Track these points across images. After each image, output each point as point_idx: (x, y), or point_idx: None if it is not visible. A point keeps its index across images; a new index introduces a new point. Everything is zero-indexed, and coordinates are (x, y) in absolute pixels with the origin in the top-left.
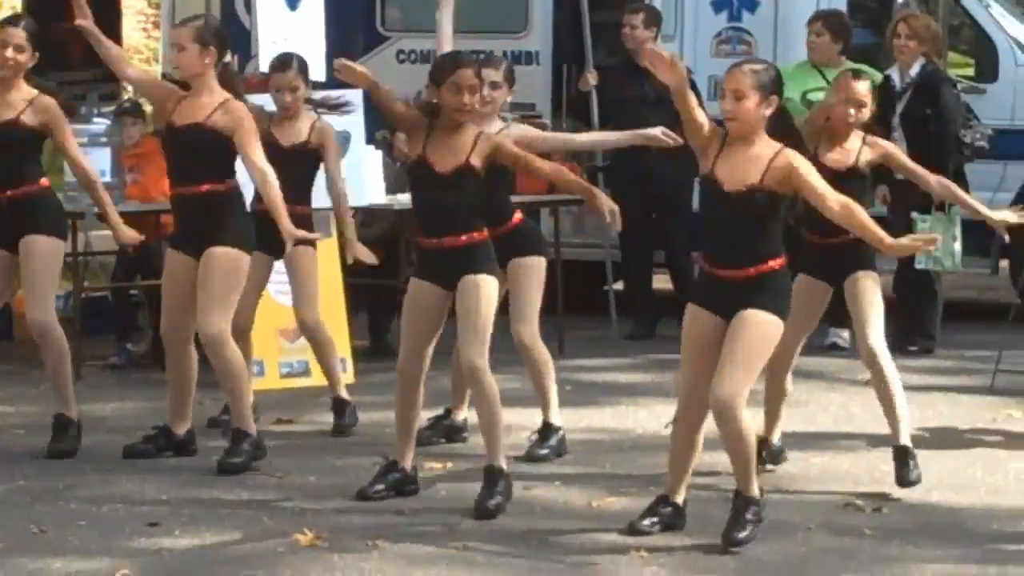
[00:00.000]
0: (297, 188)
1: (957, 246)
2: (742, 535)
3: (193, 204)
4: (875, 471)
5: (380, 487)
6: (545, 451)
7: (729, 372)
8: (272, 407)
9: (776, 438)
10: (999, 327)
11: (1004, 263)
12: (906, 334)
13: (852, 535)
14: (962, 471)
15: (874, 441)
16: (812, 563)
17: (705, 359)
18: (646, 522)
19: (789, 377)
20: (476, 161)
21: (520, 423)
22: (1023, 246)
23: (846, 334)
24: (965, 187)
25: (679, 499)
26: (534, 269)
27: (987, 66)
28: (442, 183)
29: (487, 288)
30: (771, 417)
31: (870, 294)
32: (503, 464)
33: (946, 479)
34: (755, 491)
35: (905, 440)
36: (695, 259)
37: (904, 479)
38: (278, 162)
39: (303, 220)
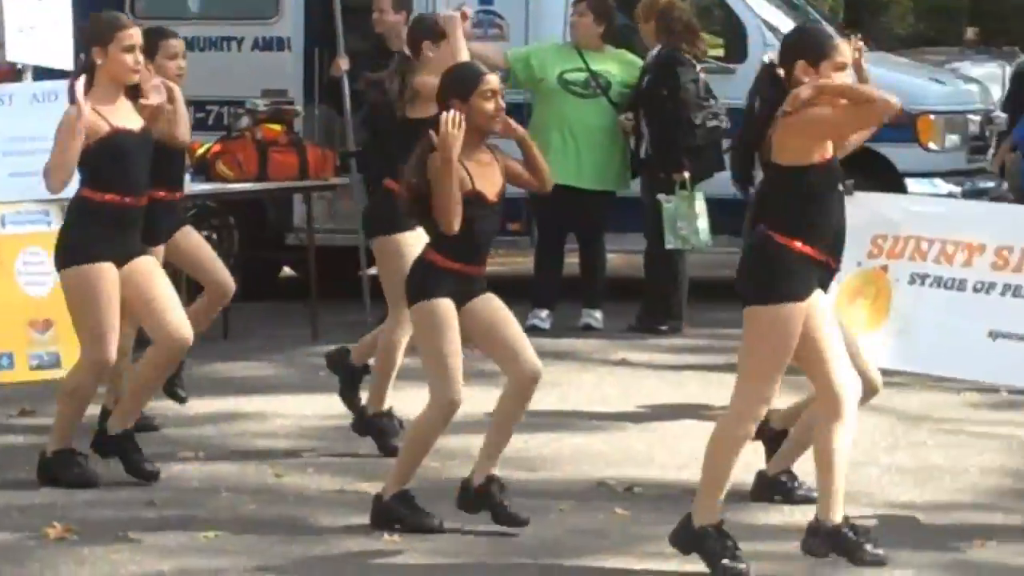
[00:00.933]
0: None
1: (701, 223)
2: None
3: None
4: (628, 450)
5: None
6: None
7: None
8: (19, 399)
9: None
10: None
11: None
12: (656, 313)
13: (605, 514)
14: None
15: (626, 420)
16: (565, 543)
17: None
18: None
19: None
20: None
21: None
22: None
23: (599, 314)
24: (717, 165)
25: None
26: None
27: (736, 47)
28: (493, 211)
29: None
30: None
31: None
32: None
33: (697, 456)
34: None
35: None
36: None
37: None
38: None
39: None
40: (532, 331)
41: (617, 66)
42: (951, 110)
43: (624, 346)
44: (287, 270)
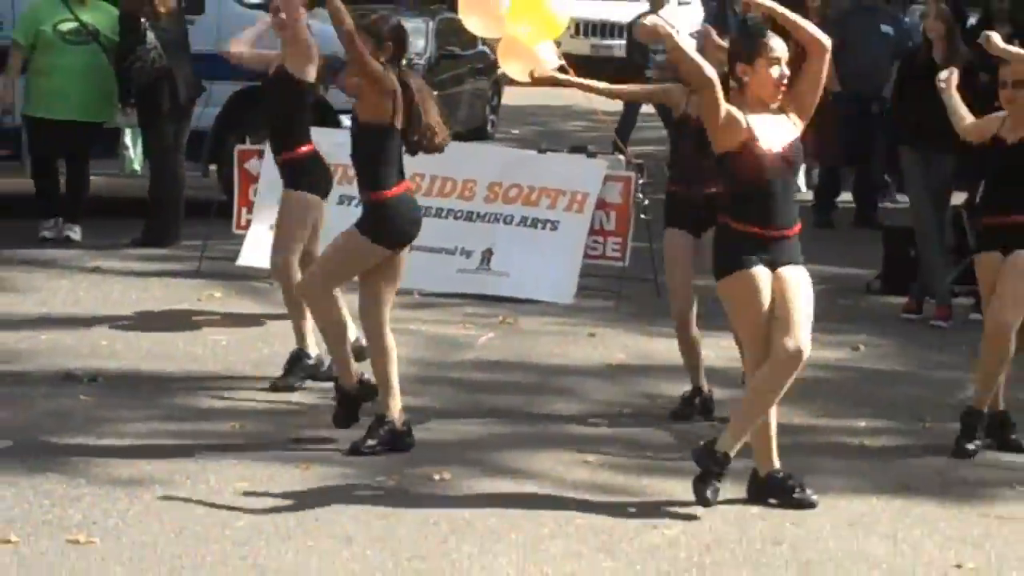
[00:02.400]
0: None
1: (128, 153)
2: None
3: None
4: (94, 345)
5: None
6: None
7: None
8: None
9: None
10: (205, 220)
11: (213, 167)
12: (158, 231)
13: (72, 400)
14: (168, 343)
15: (95, 319)
16: (39, 425)
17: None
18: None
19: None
20: None
21: None
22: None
23: (78, 228)
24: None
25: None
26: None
27: (195, 1)
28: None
29: None
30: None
31: None
32: None
33: (154, 351)
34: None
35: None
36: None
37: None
38: None
39: None
40: (67, 241)
41: (102, 16)
42: None
43: (98, 256)
44: None
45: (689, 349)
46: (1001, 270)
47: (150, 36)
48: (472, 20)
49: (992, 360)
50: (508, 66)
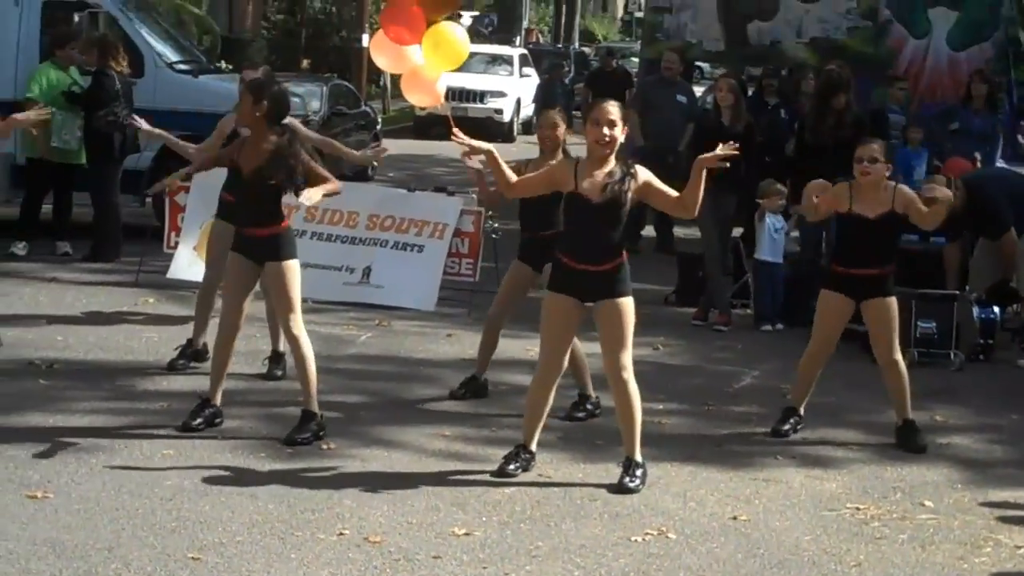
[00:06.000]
0: None
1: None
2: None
3: None
4: (51, 340)
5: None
6: None
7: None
8: None
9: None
10: (141, 242)
11: (149, 199)
12: (105, 247)
13: (32, 383)
14: (110, 338)
15: (54, 319)
16: (1, 405)
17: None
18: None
19: None
20: None
21: None
22: None
23: (22, 245)
24: (125, 148)
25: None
26: None
27: (136, 66)
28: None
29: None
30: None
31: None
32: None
33: (99, 344)
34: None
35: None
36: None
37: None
38: None
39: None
40: (10, 257)
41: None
42: None
43: (55, 268)
44: None
45: (492, 343)
46: (867, 317)
47: (120, 95)
48: (380, 60)
49: (900, 383)
50: (412, 97)
